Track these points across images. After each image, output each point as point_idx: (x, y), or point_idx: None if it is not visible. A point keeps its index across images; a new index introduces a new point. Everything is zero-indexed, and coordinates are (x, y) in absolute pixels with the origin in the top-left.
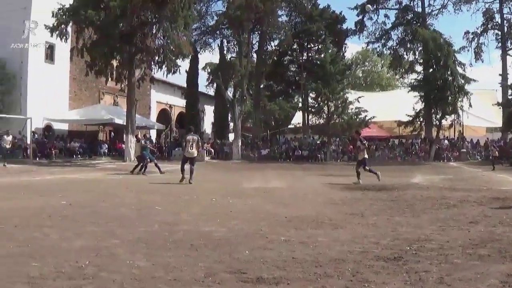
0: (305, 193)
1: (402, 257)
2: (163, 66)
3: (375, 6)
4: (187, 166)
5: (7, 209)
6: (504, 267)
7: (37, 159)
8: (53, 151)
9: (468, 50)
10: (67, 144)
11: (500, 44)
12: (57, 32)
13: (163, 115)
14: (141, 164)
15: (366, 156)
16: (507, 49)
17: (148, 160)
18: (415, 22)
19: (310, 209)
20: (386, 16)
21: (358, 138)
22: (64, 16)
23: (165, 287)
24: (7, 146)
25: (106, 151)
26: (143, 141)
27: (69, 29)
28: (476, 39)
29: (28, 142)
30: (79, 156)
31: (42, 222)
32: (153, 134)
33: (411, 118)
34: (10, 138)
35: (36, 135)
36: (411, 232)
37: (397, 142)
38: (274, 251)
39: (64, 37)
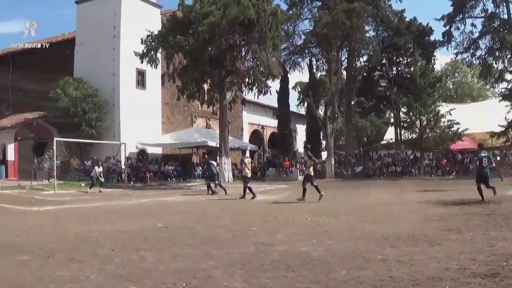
0: (400, 210)
1: (499, 273)
2: (254, 88)
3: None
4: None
5: (104, 232)
6: None
7: (132, 183)
8: (148, 175)
9: None
10: (161, 168)
11: None
12: (147, 58)
13: (256, 136)
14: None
15: (312, 172)
16: None
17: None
18: (502, 29)
19: (406, 226)
20: (473, 25)
21: (307, 154)
22: (153, 43)
23: None
24: (102, 179)
25: (200, 173)
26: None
27: (158, 55)
28: None
29: (123, 166)
30: (173, 179)
31: (138, 244)
32: (246, 155)
33: (503, 129)
34: (100, 169)
35: (130, 160)
36: (508, 247)
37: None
38: (370, 270)
39: (154, 63)
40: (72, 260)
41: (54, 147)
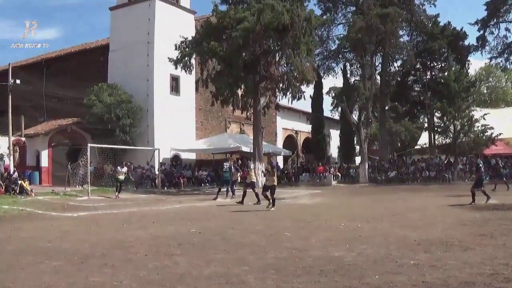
0: (434, 214)
1: None
2: (288, 93)
3: None
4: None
5: (137, 238)
6: None
7: (165, 188)
8: (181, 180)
9: None
10: (195, 173)
11: None
12: (181, 64)
13: (290, 141)
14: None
15: (275, 182)
16: None
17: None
18: None
19: (439, 231)
20: (507, 29)
21: (270, 164)
22: (187, 49)
23: None
24: (121, 178)
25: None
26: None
27: (192, 61)
28: None
29: (156, 172)
30: (207, 184)
31: (172, 250)
32: (280, 160)
33: None
34: (124, 169)
35: (164, 165)
36: None
37: None
38: (403, 276)
39: (188, 69)
40: (105, 266)
41: (88, 153)
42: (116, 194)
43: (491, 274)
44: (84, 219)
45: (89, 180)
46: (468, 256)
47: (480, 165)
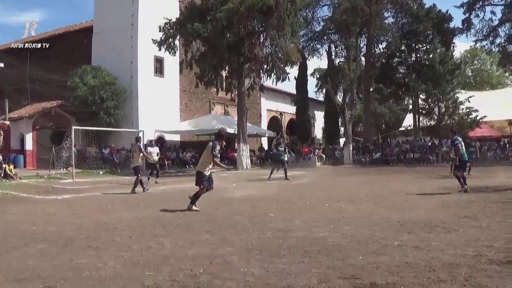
0: (418, 196)
1: None
2: (272, 74)
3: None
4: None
5: (122, 220)
6: None
7: (149, 170)
8: (166, 162)
9: None
10: (179, 155)
11: None
12: (165, 46)
13: (274, 123)
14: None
15: (140, 163)
16: None
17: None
18: None
19: (423, 213)
20: (492, 12)
21: (138, 146)
22: (171, 30)
23: None
24: (155, 158)
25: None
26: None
27: (176, 42)
28: None
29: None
30: (191, 166)
31: (156, 231)
32: (264, 141)
33: None
34: (156, 149)
35: (148, 147)
36: None
37: (506, 141)
38: (387, 256)
39: (172, 51)
40: (90, 248)
41: (72, 136)
42: (155, 180)
43: (474, 256)
44: (69, 202)
45: (73, 163)
46: (452, 237)
47: (457, 142)
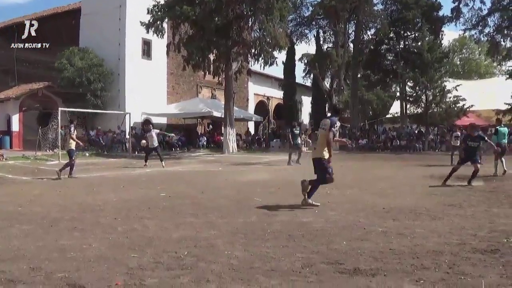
0: (403, 183)
1: (499, 250)
2: (260, 58)
3: None
4: None
5: (107, 202)
6: None
7: (136, 152)
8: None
9: None
10: (165, 138)
11: None
12: (153, 28)
13: (261, 107)
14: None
15: (73, 147)
16: None
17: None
18: (511, 7)
19: (408, 200)
20: (482, 2)
21: (69, 130)
22: (159, 13)
23: (262, 278)
24: (155, 144)
25: (204, 143)
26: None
27: (164, 25)
28: None
29: (127, 136)
30: (177, 149)
31: (141, 214)
32: (251, 125)
33: (509, 107)
34: (155, 133)
35: (135, 130)
36: (509, 224)
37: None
38: (371, 242)
39: (160, 33)
40: (75, 229)
41: (59, 117)
42: (162, 164)
43: (458, 244)
44: (55, 183)
45: (59, 144)
46: (436, 225)
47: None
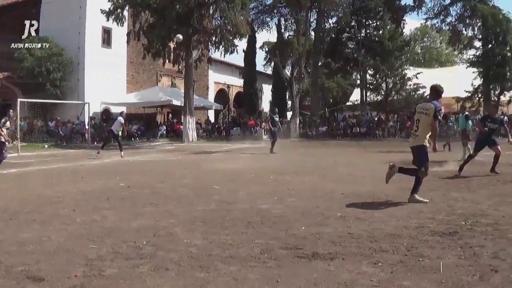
0: (363, 170)
1: (457, 232)
2: (221, 46)
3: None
4: None
5: (67, 193)
6: None
7: (95, 143)
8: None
9: None
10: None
11: None
12: (113, 16)
13: (221, 95)
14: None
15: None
16: None
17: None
18: None
19: (367, 186)
20: None
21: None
22: (120, 0)
23: (221, 265)
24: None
25: (164, 132)
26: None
27: (125, 13)
28: None
29: (86, 127)
30: (137, 138)
31: (100, 204)
32: (211, 114)
33: (469, 94)
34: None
35: (94, 120)
36: (467, 208)
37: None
38: (330, 227)
39: (121, 21)
40: (34, 222)
41: (18, 108)
42: (121, 154)
43: (416, 227)
44: (14, 176)
45: (18, 136)
46: (395, 210)
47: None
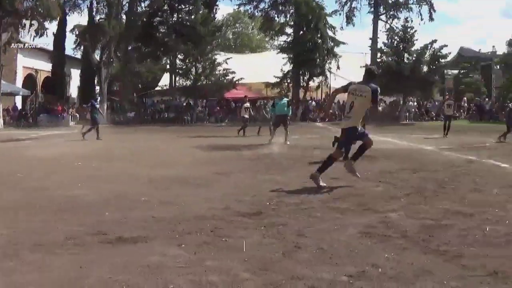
0: (172, 154)
1: (261, 212)
2: (31, 29)
3: None
4: None
5: None
6: (363, 219)
7: None
8: None
9: (340, 14)
10: None
11: (372, 9)
12: None
13: (29, 81)
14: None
15: None
16: (379, 14)
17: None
18: None
19: (176, 170)
20: None
21: None
22: None
23: (27, 253)
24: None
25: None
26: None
27: None
28: (349, 3)
29: None
30: None
31: None
32: (18, 100)
33: (278, 80)
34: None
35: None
36: (272, 188)
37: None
38: (135, 212)
39: None
40: None
41: None
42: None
43: (223, 209)
44: None
45: None
46: (202, 192)
47: None
